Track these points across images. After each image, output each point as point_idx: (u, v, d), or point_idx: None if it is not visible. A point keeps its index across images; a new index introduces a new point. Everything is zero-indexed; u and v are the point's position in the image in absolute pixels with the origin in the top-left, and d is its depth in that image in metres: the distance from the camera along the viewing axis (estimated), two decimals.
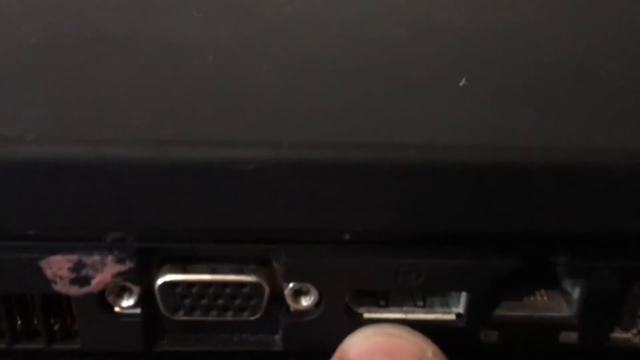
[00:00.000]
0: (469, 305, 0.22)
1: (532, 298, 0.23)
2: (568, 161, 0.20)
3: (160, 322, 0.22)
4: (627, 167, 0.19)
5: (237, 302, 0.21)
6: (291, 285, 0.22)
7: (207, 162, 0.19)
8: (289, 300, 0.22)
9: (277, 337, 0.23)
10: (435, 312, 0.23)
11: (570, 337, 0.23)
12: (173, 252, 0.21)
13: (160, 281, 0.21)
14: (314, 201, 0.19)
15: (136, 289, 0.21)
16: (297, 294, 0.22)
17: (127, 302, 0.21)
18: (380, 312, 0.22)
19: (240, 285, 0.21)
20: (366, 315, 0.22)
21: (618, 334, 0.23)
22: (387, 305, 0.23)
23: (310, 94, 0.21)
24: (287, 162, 0.19)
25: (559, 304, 0.23)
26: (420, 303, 0.23)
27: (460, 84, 0.22)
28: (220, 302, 0.21)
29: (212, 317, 0.21)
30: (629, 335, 0.23)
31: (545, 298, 0.23)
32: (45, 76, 0.22)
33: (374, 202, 0.20)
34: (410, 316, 0.22)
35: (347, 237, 0.20)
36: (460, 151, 0.20)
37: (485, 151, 0.20)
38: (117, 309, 0.21)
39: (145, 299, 0.22)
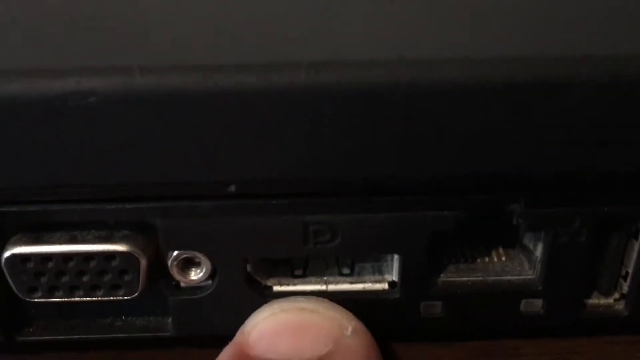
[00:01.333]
0: (404, 271, 0.17)
1: (486, 259, 0.19)
2: (515, 75, 0.15)
3: (23, 306, 0.18)
4: (591, 79, 0.14)
5: (108, 278, 0.17)
6: (175, 254, 0.17)
7: (32, 96, 0.14)
8: (175, 273, 0.17)
9: (166, 321, 0.18)
10: (364, 282, 0.18)
11: (533, 305, 0.18)
12: (24, 218, 0.17)
13: (6, 255, 0.17)
14: (182, 143, 0.15)
15: None
16: (186, 265, 0.18)
17: None
18: (294, 284, 0.18)
19: (108, 256, 0.17)
20: (277, 288, 0.18)
21: (596, 300, 0.19)
22: (304, 274, 0.18)
23: (173, 5, 0.16)
24: (140, 92, 0.14)
25: (520, 265, 0.18)
26: (347, 271, 0.18)
27: None
28: (85, 279, 0.17)
29: (79, 297, 0.17)
30: (609, 300, 0.19)
31: (503, 259, 0.19)
32: None
33: (262, 140, 0.15)
34: (333, 287, 0.18)
35: (233, 189, 0.16)
36: (375, 67, 0.15)
37: (408, 67, 0.15)
38: None
39: None
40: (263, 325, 0.16)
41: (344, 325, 0.16)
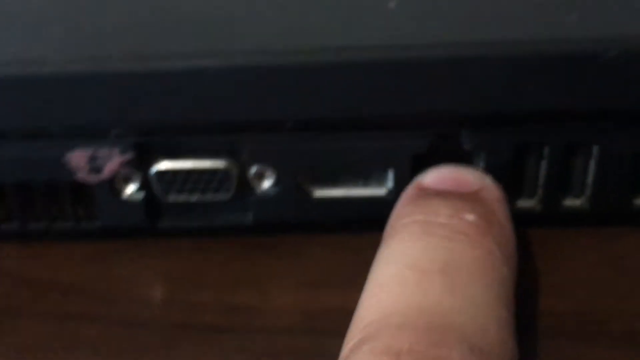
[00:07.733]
0: (396, 181, 0.28)
1: None
2: None
3: (158, 205, 0.29)
4: None
5: (213, 185, 0.28)
6: (254, 169, 0.28)
7: (175, 71, 0.25)
8: (253, 182, 0.28)
9: (248, 213, 0.29)
10: (371, 188, 0.29)
11: None
12: (163, 146, 0.27)
13: (154, 170, 0.28)
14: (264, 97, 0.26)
15: (137, 177, 0.28)
16: (259, 177, 0.28)
17: (131, 187, 0.28)
18: (327, 189, 0.28)
19: (214, 171, 0.28)
20: (316, 193, 0.28)
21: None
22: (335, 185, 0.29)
23: None
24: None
25: None
26: (361, 182, 0.29)
27: None
28: (200, 185, 0.28)
29: (196, 197, 0.28)
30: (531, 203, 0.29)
31: None
32: None
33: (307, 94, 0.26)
34: (351, 192, 0.28)
35: (290, 125, 0.26)
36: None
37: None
38: (124, 193, 0.28)
39: (145, 185, 0.28)
40: (432, 174, 0.26)
41: (487, 184, 0.25)
